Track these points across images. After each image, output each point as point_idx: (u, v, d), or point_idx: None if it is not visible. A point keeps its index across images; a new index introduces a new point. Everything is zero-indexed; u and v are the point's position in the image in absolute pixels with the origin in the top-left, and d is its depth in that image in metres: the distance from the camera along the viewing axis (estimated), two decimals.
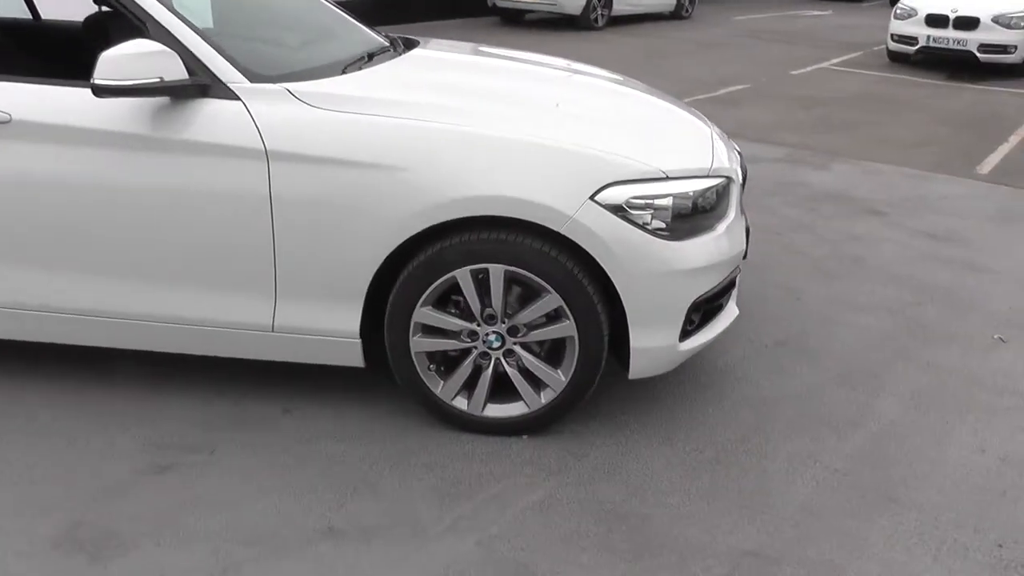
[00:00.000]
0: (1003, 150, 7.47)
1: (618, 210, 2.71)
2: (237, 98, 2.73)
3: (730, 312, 3.19)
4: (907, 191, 6.12)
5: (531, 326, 2.84)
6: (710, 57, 12.24)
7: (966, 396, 3.41)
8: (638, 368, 2.89)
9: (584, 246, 2.70)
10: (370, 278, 2.80)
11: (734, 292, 3.20)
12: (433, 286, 2.78)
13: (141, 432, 2.93)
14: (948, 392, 3.43)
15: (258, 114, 2.72)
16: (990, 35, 11.07)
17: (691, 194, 2.82)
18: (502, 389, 2.95)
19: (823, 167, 6.64)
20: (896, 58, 12.07)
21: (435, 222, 2.70)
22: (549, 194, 2.67)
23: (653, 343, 2.85)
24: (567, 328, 2.80)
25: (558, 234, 2.70)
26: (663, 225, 2.77)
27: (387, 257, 2.76)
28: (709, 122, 3.54)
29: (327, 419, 3.05)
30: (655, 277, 2.75)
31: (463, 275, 2.76)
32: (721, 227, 2.94)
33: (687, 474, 2.86)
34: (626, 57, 11.65)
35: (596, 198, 2.69)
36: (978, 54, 11.12)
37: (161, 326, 2.94)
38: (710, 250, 2.87)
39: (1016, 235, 5.32)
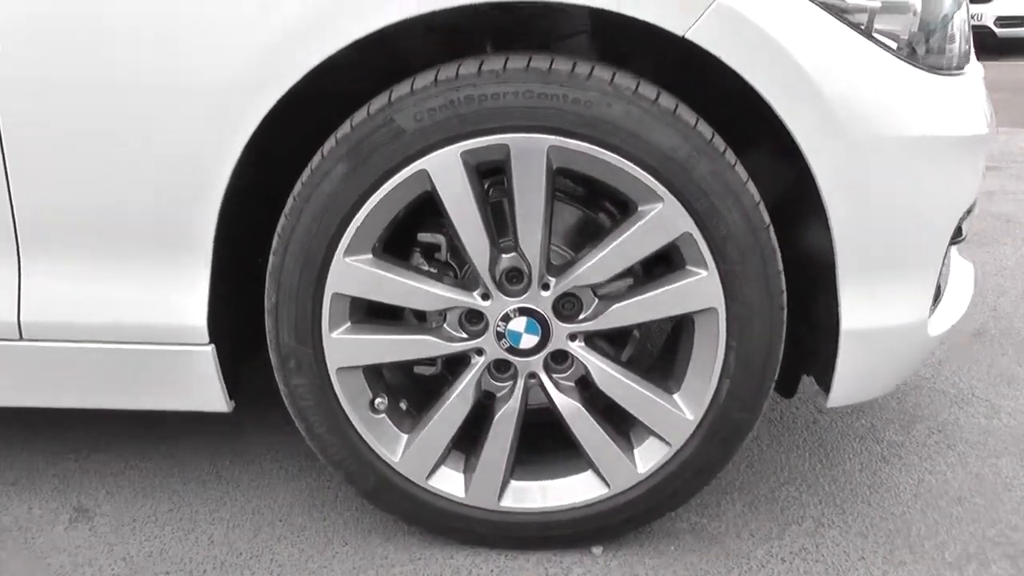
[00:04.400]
0: None
1: None
2: None
3: (961, 264, 1.61)
4: (1007, 146, 4.71)
5: (609, 294, 1.23)
6: None
7: None
8: (851, 380, 1.25)
9: (746, 75, 1.08)
10: (221, 192, 1.15)
11: None
12: (374, 201, 1.14)
13: None
14: None
15: None
16: (1007, 6, 9.80)
17: None
18: (537, 445, 1.32)
19: None
20: None
21: (366, 33, 1.08)
22: None
23: (887, 318, 1.22)
24: (699, 289, 1.17)
25: (674, 51, 1.09)
26: (901, 29, 1.18)
27: (249, 141, 1.13)
28: None
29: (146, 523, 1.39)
30: (898, 150, 1.15)
31: (445, 165, 1.13)
32: (972, 53, 1.39)
33: None
34: None
35: None
36: (995, 28, 9.84)
37: None
38: (975, 96, 1.29)
39: None
